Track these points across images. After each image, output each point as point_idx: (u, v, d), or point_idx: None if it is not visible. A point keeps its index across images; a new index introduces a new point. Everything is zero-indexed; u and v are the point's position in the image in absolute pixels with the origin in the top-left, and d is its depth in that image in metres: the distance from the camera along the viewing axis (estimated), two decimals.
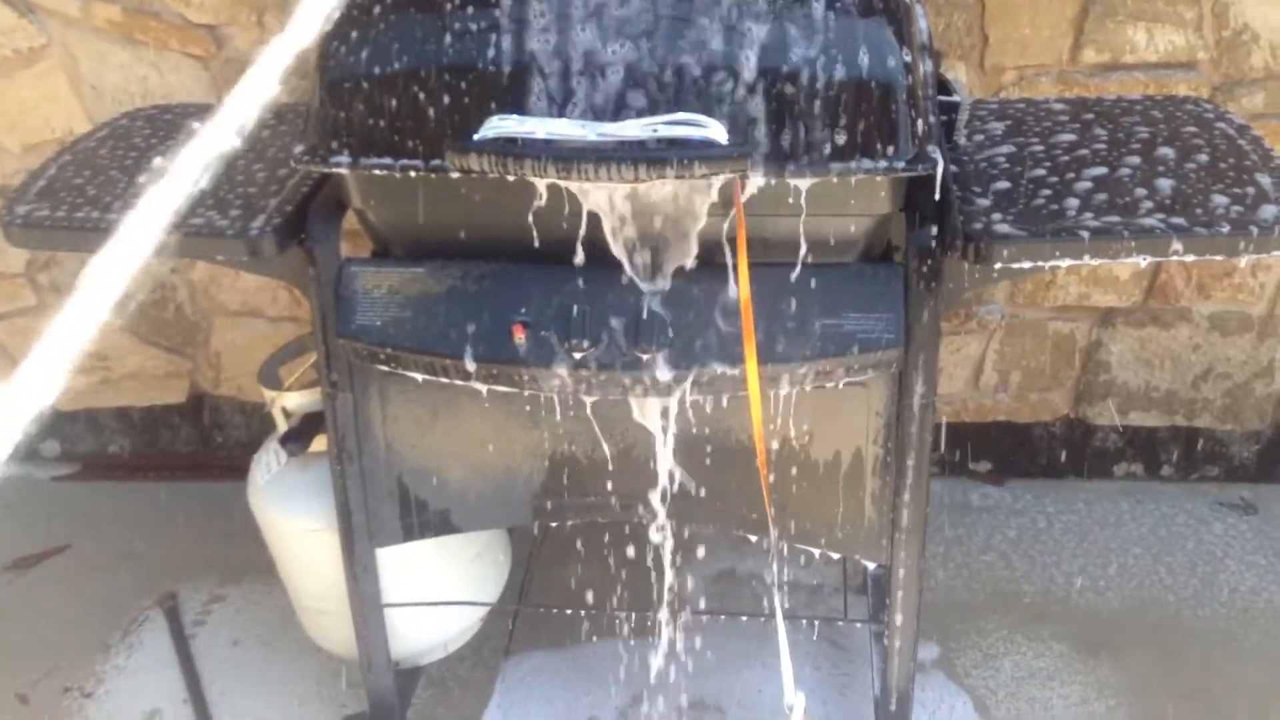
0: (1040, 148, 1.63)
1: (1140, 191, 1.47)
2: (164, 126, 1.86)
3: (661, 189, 1.38)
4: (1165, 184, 1.49)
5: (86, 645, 2.31)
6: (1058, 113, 1.75)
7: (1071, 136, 1.66)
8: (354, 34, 1.39)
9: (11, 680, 2.23)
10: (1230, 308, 2.44)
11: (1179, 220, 1.40)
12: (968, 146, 1.65)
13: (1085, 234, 1.38)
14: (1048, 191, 1.49)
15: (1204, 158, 1.56)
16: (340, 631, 1.90)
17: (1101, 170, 1.54)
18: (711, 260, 1.45)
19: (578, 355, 1.47)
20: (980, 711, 2.07)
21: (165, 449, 2.88)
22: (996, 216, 1.44)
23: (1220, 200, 1.44)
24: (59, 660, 2.27)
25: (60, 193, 1.64)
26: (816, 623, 2.24)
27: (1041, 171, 1.55)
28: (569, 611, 2.00)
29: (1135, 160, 1.56)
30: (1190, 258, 1.39)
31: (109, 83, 2.41)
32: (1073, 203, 1.45)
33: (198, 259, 1.56)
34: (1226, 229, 1.38)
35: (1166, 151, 1.58)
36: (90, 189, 1.64)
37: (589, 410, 1.60)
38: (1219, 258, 1.42)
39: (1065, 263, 1.40)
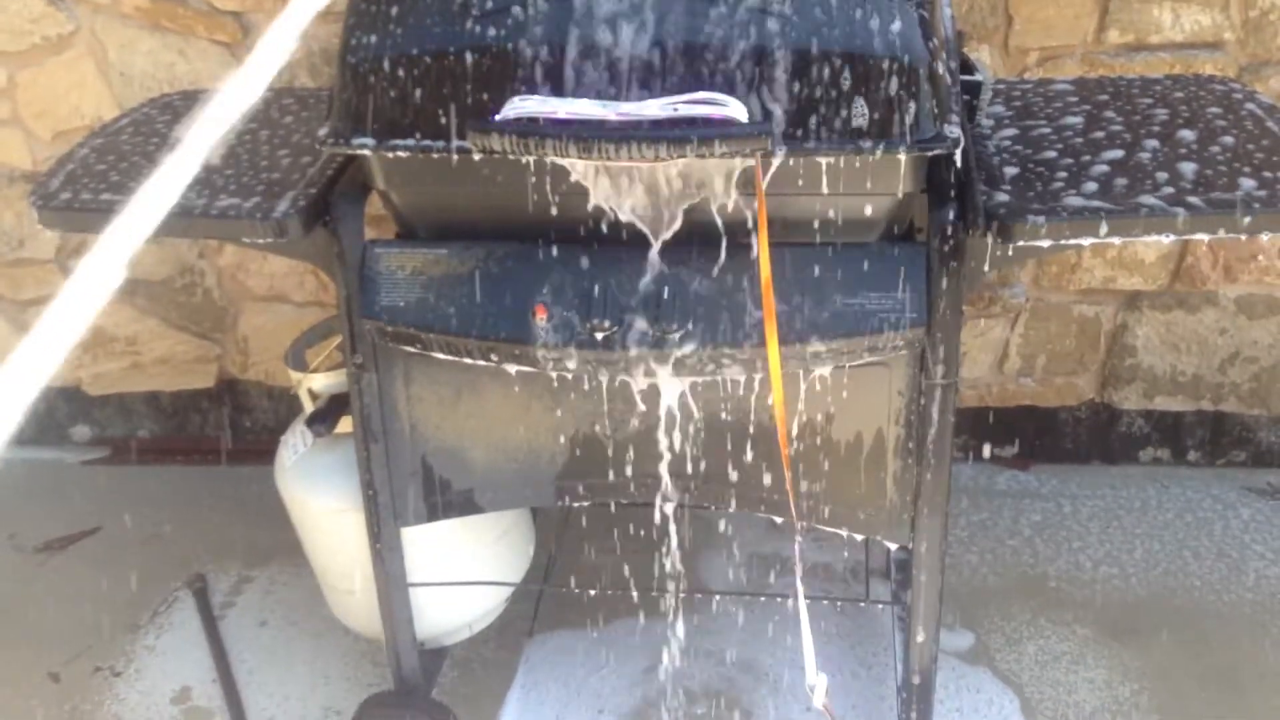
0: (1048, 129, 1.61)
1: (1162, 175, 1.46)
2: (185, 114, 1.87)
3: (681, 168, 1.38)
4: (1189, 167, 1.47)
5: (117, 626, 2.34)
6: (1065, 94, 1.74)
7: (1079, 120, 1.64)
8: (377, 16, 1.40)
9: (43, 660, 2.26)
10: (1257, 290, 2.43)
11: (1202, 200, 1.39)
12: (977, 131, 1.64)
13: (1108, 210, 1.38)
14: (1064, 174, 1.48)
15: (1229, 140, 1.55)
16: (366, 611, 1.92)
17: (1118, 153, 1.52)
18: (732, 240, 1.46)
19: (599, 335, 1.48)
20: (1025, 710, 2.06)
21: (194, 433, 2.91)
22: (1015, 200, 1.43)
23: (1248, 184, 1.42)
24: (90, 640, 2.31)
25: (85, 179, 1.66)
26: (840, 604, 2.25)
27: (1053, 154, 1.54)
28: (593, 592, 2.01)
29: (1154, 144, 1.55)
30: (1222, 233, 1.38)
31: (137, 69, 2.43)
32: (1091, 186, 1.44)
33: (224, 240, 1.58)
34: (1257, 208, 1.37)
35: (1187, 134, 1.57)
36: (114, 175, 1.66)
37: (610, 391, 1.61)
38: (1244, 237, 1.40)
39: (1088, 240, 1.40)
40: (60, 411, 2.89)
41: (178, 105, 1.92)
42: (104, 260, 1.03)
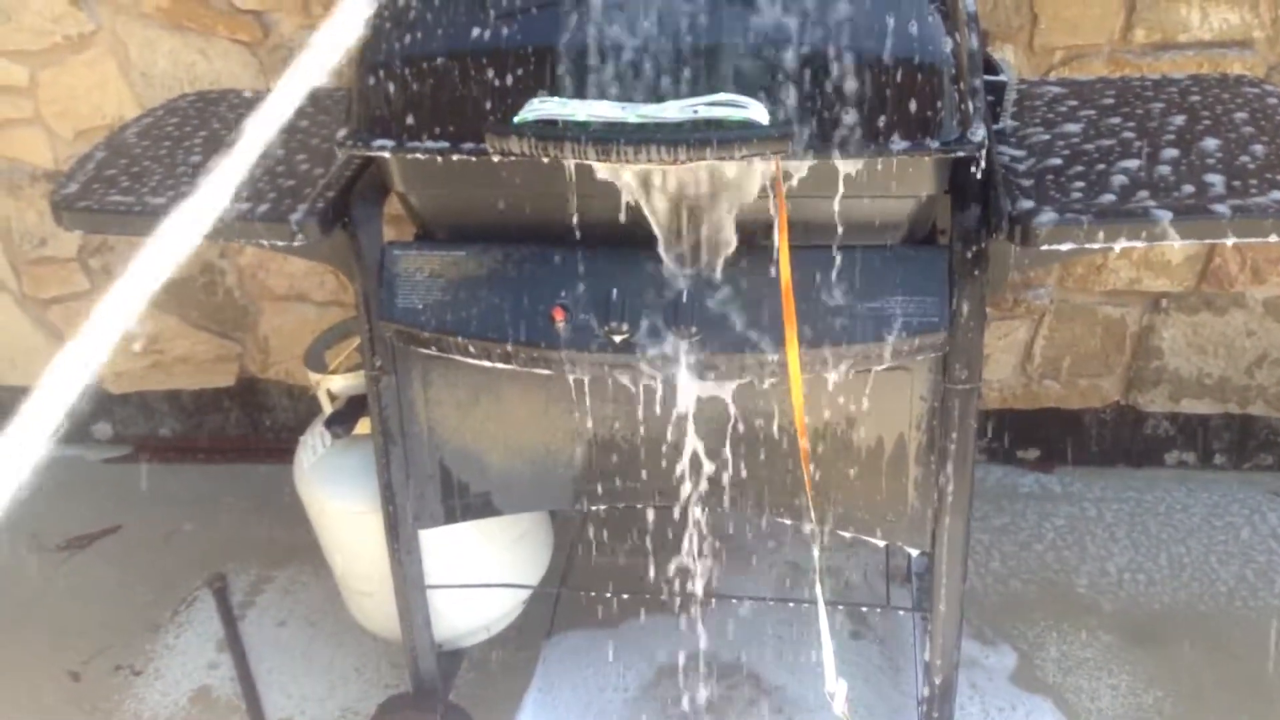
0: (1047, 135, 1.58)
1: (1188, 189, 1.42)
2: (195, 117, 1.87)
3: (701, 171, 1.37)
4: (1217, 179, 1.44)
5: (137, 625, 2.35)
6: (1063, 98, 1.70)
7: (1080, 126, 1.60)
8: (396, 18, 1.39)
9: (63, 658, 2.27)
10: None
11: (1230, 207, 1.36)
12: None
13: (1136, 213, 1.35)
14: (1080, 181, 1.45)
15: (1259, 148, 1.51)
16: (384, 613, 1.91)
17: (1134, 161, 1.49)
18: (752, 243, 1.44)
19: (617, 338, 1.47)
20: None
21: (214, 432, 2.91)
22: (1038, 204, 1.40)
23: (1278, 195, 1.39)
24: (110, 639, 2.31)
25: (97, 183, 1.65)
26: (861, 610, 2.23)
27: (1058, 161, 1.50)
28: (610, 595, 2.00)
29: (1174, 153, 1.51)
30: (1252, 239, 1.36)
31: (158, 69, 2.43)
32: (1109, 197, 1.41)
33: (244, 242, 1.58)
34: None
35: (1212, 142, 1.53)
36: (124, 179, 1.66)
37: (629, 394, 1.60)
38: (1274, 238, 1.37)
39: (1118, 244, 1.37)
40: (81, 409, 2.89)
41: (187, 109, 1.92)
42: (147, 266, 1.03)
